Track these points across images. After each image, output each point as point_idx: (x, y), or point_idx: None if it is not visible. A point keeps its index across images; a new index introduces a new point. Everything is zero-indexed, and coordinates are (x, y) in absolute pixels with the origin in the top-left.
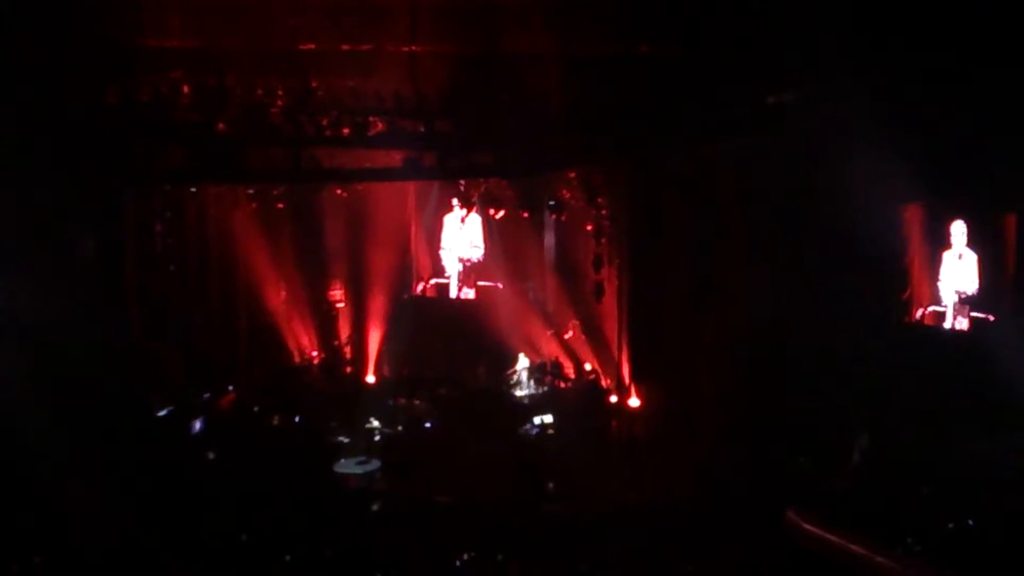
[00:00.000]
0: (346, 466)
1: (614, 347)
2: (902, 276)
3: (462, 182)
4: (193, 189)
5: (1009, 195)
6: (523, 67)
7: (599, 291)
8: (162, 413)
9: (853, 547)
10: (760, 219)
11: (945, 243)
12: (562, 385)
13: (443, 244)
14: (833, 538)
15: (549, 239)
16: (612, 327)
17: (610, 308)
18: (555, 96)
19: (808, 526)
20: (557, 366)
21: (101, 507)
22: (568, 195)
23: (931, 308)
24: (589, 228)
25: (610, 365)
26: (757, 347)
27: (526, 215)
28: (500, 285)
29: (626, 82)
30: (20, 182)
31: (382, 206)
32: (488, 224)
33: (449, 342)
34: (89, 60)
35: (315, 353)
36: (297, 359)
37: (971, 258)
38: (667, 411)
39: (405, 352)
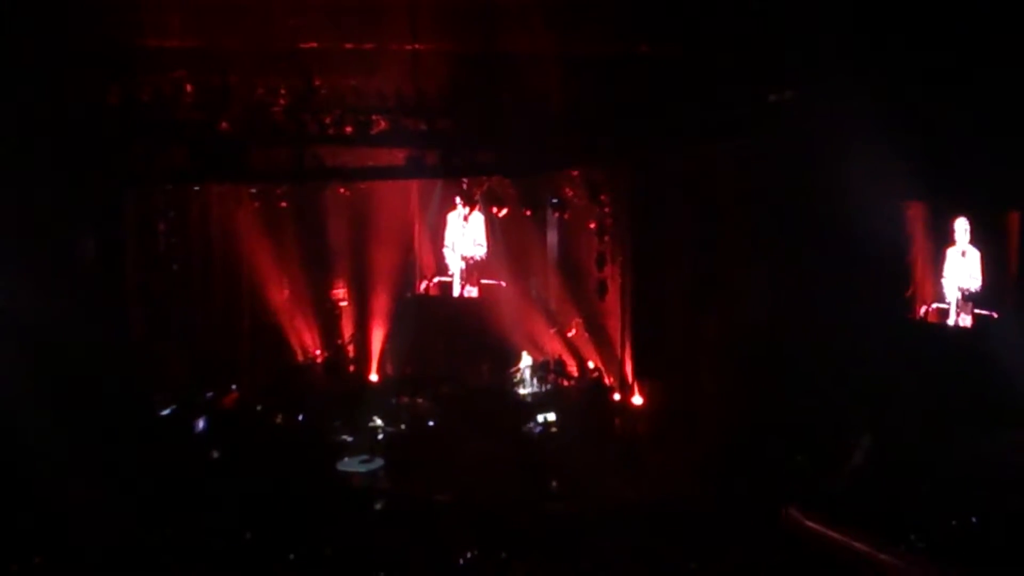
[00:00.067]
0: (349, 465)
1: (617, 345)
2: (905, 274)
3: (465, 180)
4: (196, 188)
5: (1012, 192)
6: (525, 66)
7: (602, 289)
8: (165, 412)
9: (856, 544)
10: (762, 218)
11: (948, 240)
12: (565, 383)
13: (446, 242)
14: (836, 535)
15: (552, 237)
16: (615, 325)
17: (613, 306)
18: (556, 95)
19: (810, 523)
20: (560, 364)
21: (103, 507)
22: (571, 193)
23: (934, 305)
24: (592, 226)
25: (613, 363)
26: (759, 345)
27: (529, 213)
28: (503, 283)
29: (626, 81)
30: (21, 182)
31: (385, 205)
32: (491, 222)
33: (452, 340)
34: (90, 60)
35: (318, 352)
36: (300, 358)
37: (974, 255)
38: (670, 409)
39: (408, 350)
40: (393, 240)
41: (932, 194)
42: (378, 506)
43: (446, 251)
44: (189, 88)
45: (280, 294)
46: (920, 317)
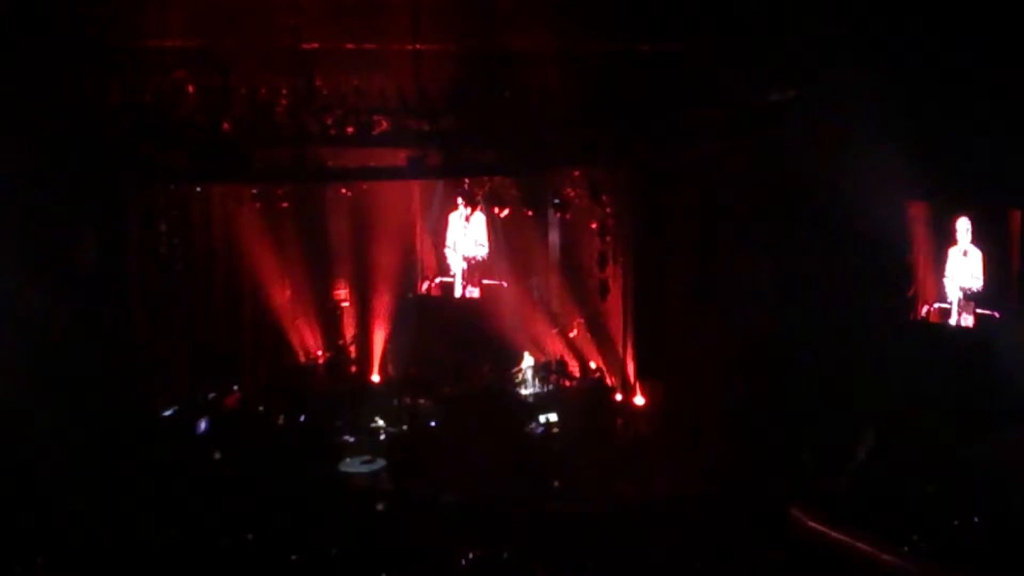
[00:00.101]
0: (351, 465)
1: (619, 345)
2: (907, 273)
3: (466, 181)
4: (198, 189)
5: (1014, 191)
6: (526, 66)
7: (604, 289)
8: (167, 413)
9: (859, 545)
10: (764, 218)
11: (950, 240)
12: (567, 383)
13: (448, 243)
14: (838, 536)
15: (553, 237)
16: (617, 325)
17: (615, 306)
18: (558, 95)
19: (813, 523)
20: (562, 364)
21: (105, 507)
22: (572, 193)
23: (936, 305)
24: (594, 226)
25: (615, 363)
26: (761, 345)
27: (530, 213)
28: (505, 284)
29: (628, 81)
30: (23, 182)
31: (387, 205)
32: (492, 222)
33: (454, 341)
34: (92, 60)
35: (320, 352)
36: (302, 358)
37: (976, 255)
38: (672, 409)
39: (410, 351)
40: (395, 240)
41: (934, 193)
42: (380, 507)
43: (448, 251)
44: (190, 89)
45: (282, 294)
46: (922, 317)
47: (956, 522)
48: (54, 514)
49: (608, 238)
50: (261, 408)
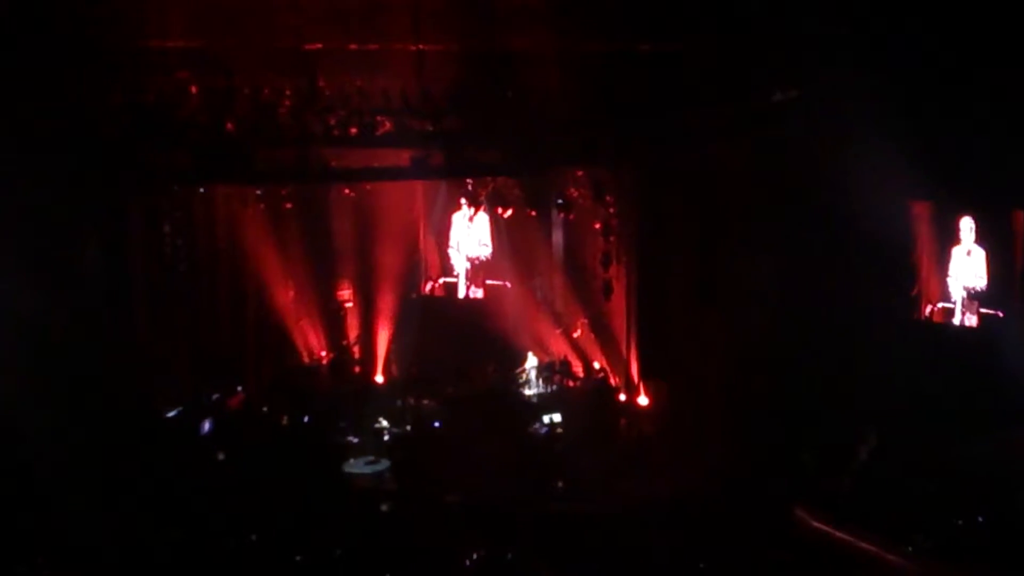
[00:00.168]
0: (355, 466)
1: (622, 345)
2: (910, 273)
3: (470, 181)
4: (201, 190)
5: (1017, 191)
6: (529, 66)
7: (608, 289)
8: (171, 414)
9: (863, 544)
10: (767, 217)
11: (954, 239)
12: (571, 384)
13: (451, 243)
14: (842, 536)
15: (557, 237)
16: (620, 325)
17: (618, 306)
18: (561, 95)
19: (817, 524)
20: (566, 365)
21: (109, 508)
22: (576, 193)
23: (940, 305)
24: (597, 226)
25: (618, 363)
26: (764, 345)
27: (534, 214)
28: (508, 284)
29: (631, 80)
30: (26, 184)
31: (390, 205)
32: (496, 223)
33: (457, 341)
34: (94, 62)
35: (324, 353)
36: (306, 359)
37: (980, 254)
38: (676, 409)
39: (413, 352)
40: (398, 241)
41: (937, 193)
42: (384, 507)
43: (451, 252)
44: (194, 90)
45: (285, 295)
46: (926, 316)
47: (960, 521)
48: (55, 514)
49: (612, 238)
50: (265, 409)
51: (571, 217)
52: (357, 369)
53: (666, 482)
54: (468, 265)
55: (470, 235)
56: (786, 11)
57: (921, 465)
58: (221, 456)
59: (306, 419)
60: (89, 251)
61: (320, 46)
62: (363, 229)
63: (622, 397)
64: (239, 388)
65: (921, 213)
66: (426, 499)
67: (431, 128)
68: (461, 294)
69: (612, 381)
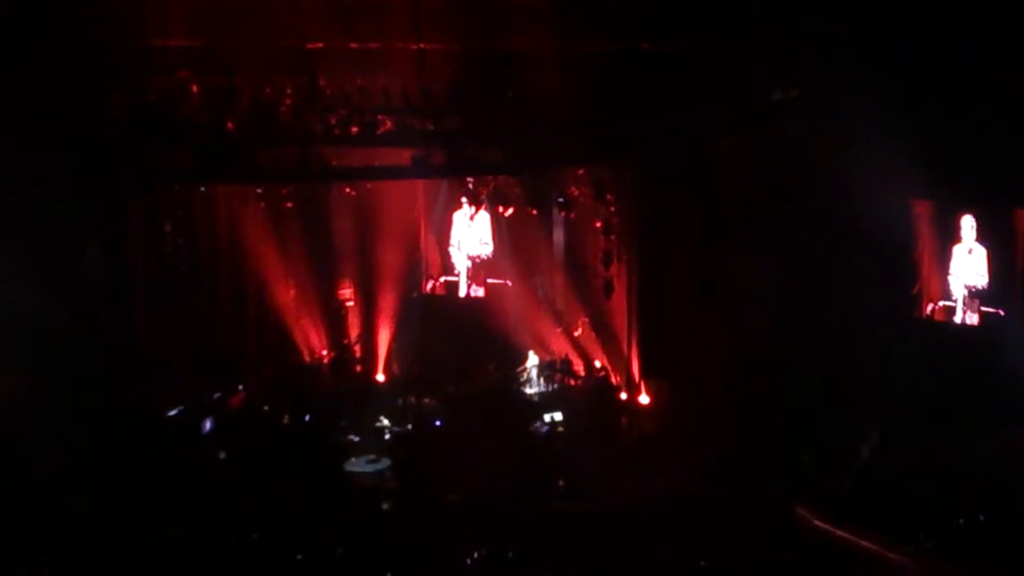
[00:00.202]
0: (356, 465)
1: (623, 344)
2: (911, 271)
3: (471, 180)
4: (203, 189)
5: (1018, 189)
6: (530, 64)
7: (608, 288)
8: (172, 413)
9: (864, 543)
10: (768, 216)
11: (955, 238)
12: (572, 382)
13: (452, 242)
14: (844, 535)
15: (558, 236)
16: (621, 324)
17: (619, 305)
18: (561, 93)
19: (819, 522)
20: (567, 363)
21: (110, 508)
22: (577, 192)
23: (941, 303)
24: (598, 225)
25: (620, 362)
26: (765, 344)
27: (535, 212)
28: (509, 283)
29: (631, 79)
30: (27, 183)
31: (391, 204)
32: (497, 221)
33: (458, 340)
34: (95, 61)
35: (325, 352)
36: (307, 358)
37: (981, 252)
38: (677, 408)
39: (414, 350)
40: (399, 240)
41: (938, 191)
42: (385, 506)
43: (452, 250)
44: (194, 89)
45: (286, 294)
46: (927, 315)
47: (961, 520)
48: (56, 514)
49: (612, 237)
50: (266, 408)
51: (572, 216)
52: (358, 368)
53: (667, 481)
54: (469, 264)
55: (471, 234)
56: (786, 11)
57: (922, 464)
58: (222, 455)
59: (307, 418)
60: (89, 251)
61: (321, 45)
62: (364, 228)
63: (623, 396)
64: (240, 387)
65: (922, 212)
66: (427, 498)
67: (432, 127)
68: (462, 293)
69: (613, 380)
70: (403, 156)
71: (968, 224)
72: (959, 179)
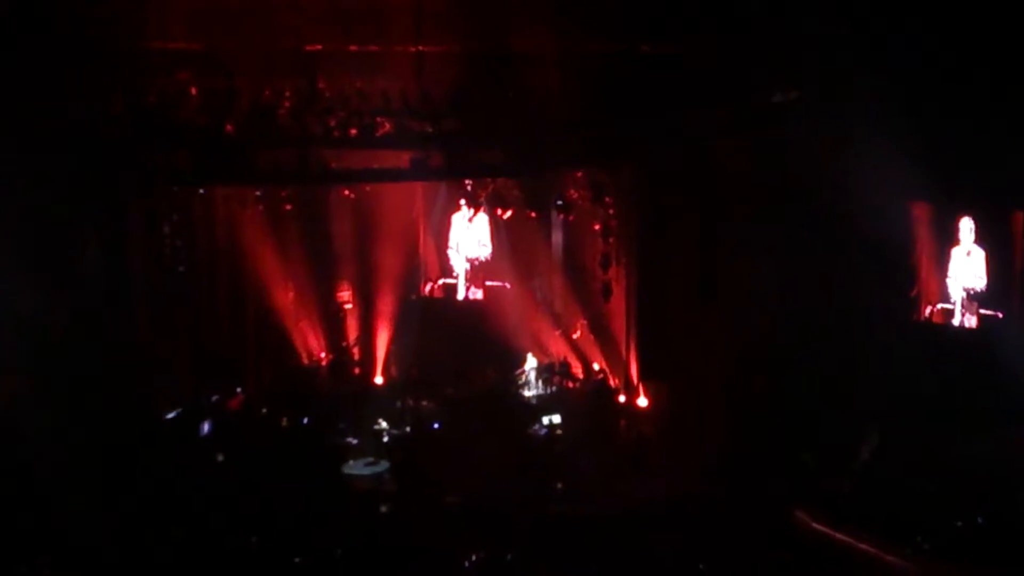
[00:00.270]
0: (355, 468)
1: (622, 347)
2: (910, 273)
3: (469, 182)
4: (201, 191)
5: (1017, 192)
6: (528, 67)
7: (607, 291)
8: (170, 415)
9: (863, 546)
10: (767, 218)
11: (953, 240)
12: (570, 385)
13: (451, 244)
14: (843, 537)
15: (557, 238)
16: (620, 326)
17: (618, 308)
18: (560, 96)
19: (817, 525)
20: (565, 366)
21: (109, 510)
22: (575, 194)
23: (940, 305)
24: (596, 227)
25: (618, 365)
26: (764, 346)
27: (533, 215)
28: (508, 285)
29: (630, 81)
30: (26, 184)
31: (390, 206)
32: (496, 224)
33: (457, 343)
34: (95, 63)
35: (323, 354)
36: (305, 360)
37: (979, 255)
38: (675, 411)
39: (413, 353)
40: (398, 242)
41: (936, 194)
42: (383, 509)
43: (451, 253)
44: (194, 91)
45: (285, 296)
46: (925, 317)
47: (960, 522)
48: (56, 514)
49: (611, 239)
50: (264, 410)
51: (571, 218)
52: (357, 370)
53: (666, 483)
54: (468, 266)
55: (470, 236)
56: (786, 11)
57: (921, 466)
58: (221, 457)
59: (306, 420)
60: (89, 251)
61: (320, 47)
62: (363, 230)
63: (622, 398)
64: (239, 389)
65: (921, 214)
66: (426, 500)
67: (431, 129)
68: (461, 295)
69: (612, 382)
70: (402, 158)
71: (967, 226)
72: (958, 181)
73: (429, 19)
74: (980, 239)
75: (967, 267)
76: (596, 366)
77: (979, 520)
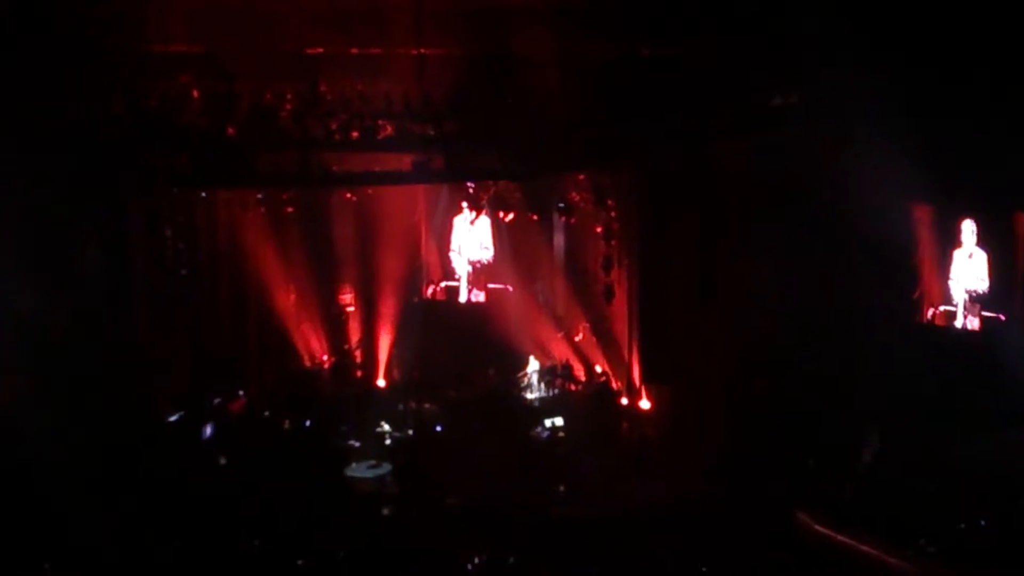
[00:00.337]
0: (357, 470)
1: (624, 349)
2: (912, 275)
3: (471, 185)
4: (203, 194)
5: (1019, 194)
6: (530, 70)
7: (609, 293)
8: (172, 418)
9: (865, 548)
10: (768, 221)
11: (955, 242)
12: (572, 387)
13: (453, 247)
14: (845, 539)
15: (559, 241)
16: (622, 329)
17: (620, 310)
18: (561, 98)
19: (819, 527)
20: (567, 368)
21: (109, 510)
22: (577, 197)
23: (942, 308)
24: (598, 230)
25: (620, 367)
26: (766, 348)
27: (535, 218)
28: (510, 288)
29: (631, 84)
30: (28, 186)
31: (391, 209)
32: (497, 226)
33: (459, 345)
34: (96, 65)
35: (325, 357)
36: (307, 363)
37: (981, 257)
38: (677, 413)
39: (415, 355)
40: (400, 245)
41: (938, 196)
42: (386, 511)
43: (453, 255)
44: (195, 94)
45: (287, 299)
46: (928, 320)
47: (962, 525)
48: (55, 514)
49: (613, 242)
50: (267, 413)
51: (572, 221)
52: (359, 373)
53: (667, 486)
54: (470, 269)
55: (472, 239)
56: (786, 13)
57: (922, 468)
58: (223, 460)
59: (308, 423)
60: (89, 251)
61: (321, 50)
62: (364, 233)
63: (624, 401)
64: (241, 392)
65: (922, 216)
66: (428, 503)
67: (432, 132)
68: (463, 298)
69: (614, 385)
70: (403, 161)
71: (969, 228)
72: (959, 182)
73: (430, 21)
74: (982, 241)
75: (969, 269)
76: (598, 368)
77: (981, 523)
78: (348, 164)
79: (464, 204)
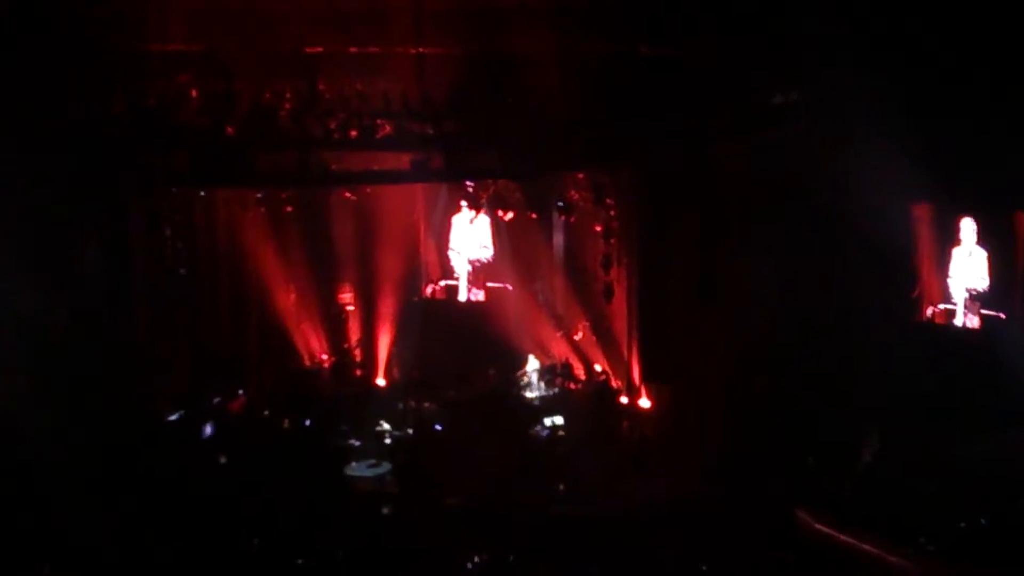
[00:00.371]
0: (357, 469)
1: (624, 348)
2: (912, 274)
3: (470, 184)
4: (202, 193)
5: (1018, 192)
6: (529, 69)
7: (609, 292)
8: (172, 417)
9: (866, 547)
10: (768, 219)
11: (954, 240)
12: (572, 386)
13: (452, 246)
14: (845, 538)
15: (558, 240)
16: (622, 327)
17: (619, 309)
18: (560, 97)
19: (820, 526)
20: (567, 367)
21: (109, 510)
22: (577, 196)
23: (941, 306)
24: (598, 229)
25: (620, 366)
26: (766, 347)
27: (535, 216)
28: (509, 287)
29: (630, 83)
30: (27, 186)
31: (390, 208)
32: (497, 225)
33: (459, 344)
34: (96, 65)
35: (325, 356)
36: (307, 362)
37: (981, 255)
38: (677, 412)
39: (415, 355)
40: (399, 244)
41: (938, 194)
42: (385, 510)
43: (452, 254)
44: (194, 93)
45: (287, 299)
46: (927, 318)
47: (962, 523)
48: (56, 514)
49: (612, 240)
50: (266, 412)
51: (572, 220)
52: (358, 372)
53: (667, 485)
54: (469, 268)
55: (471, 238)
56: (786, 12)
57: (922, 467)
58: (223, 460)
59: (308, 422)
60: (89, 251)
61: (320, 49)
62: (364, 232)
63: (624, 400)
64: (240, 392)
65: (922, 214)
66: (427, 502)
67: (431, 131)
68: (462, 297)
69: (614, 383)
70: (402, 160)
71: (968, 227)
72: (959, 181)
73: (429, 21)
74: (982, 240)
75: (969, 268)
76: (598, 367)
77: (982, 522)
78: (347, 163)
79: (463, 203)
